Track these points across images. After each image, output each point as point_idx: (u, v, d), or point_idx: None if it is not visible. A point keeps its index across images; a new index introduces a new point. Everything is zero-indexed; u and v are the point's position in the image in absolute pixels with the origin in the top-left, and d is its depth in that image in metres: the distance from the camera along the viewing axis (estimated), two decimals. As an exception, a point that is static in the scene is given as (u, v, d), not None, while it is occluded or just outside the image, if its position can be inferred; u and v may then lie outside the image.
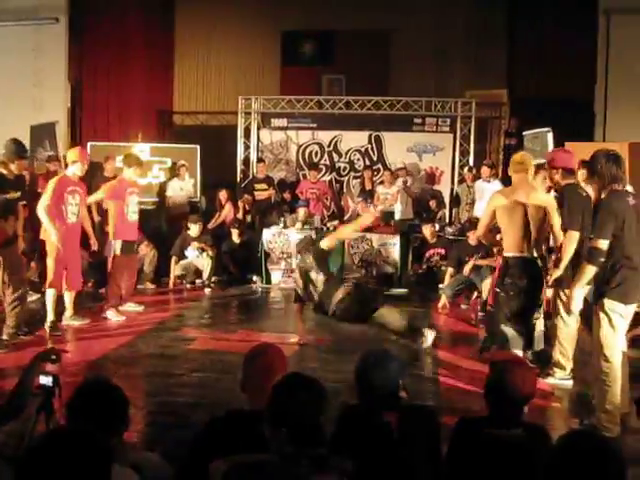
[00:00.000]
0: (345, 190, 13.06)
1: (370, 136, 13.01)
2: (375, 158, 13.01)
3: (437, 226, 10.66)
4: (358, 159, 13.12)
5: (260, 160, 12.58)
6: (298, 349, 6.94)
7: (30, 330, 7.17)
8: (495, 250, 7.07)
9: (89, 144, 12.05)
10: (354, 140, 13.11)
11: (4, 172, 6.86)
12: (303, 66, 14.57)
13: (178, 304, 9.51)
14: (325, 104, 13.05)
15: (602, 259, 4.72)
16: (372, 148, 13.05)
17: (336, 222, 11.28)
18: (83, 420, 2.54)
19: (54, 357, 3.25)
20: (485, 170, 10.80)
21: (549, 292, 6.15)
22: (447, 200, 12.31)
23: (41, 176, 9.69)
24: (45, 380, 3.08)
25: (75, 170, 7.68)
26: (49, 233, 7.42)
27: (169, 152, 12.60)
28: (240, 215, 11.65)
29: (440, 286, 9.47)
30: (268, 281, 10.55)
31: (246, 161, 13.35)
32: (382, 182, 12.09)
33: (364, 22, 13.80)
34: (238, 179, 13.14)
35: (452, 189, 12.51)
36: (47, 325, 7.38)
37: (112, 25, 13.69)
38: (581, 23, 12.24)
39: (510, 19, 13.82)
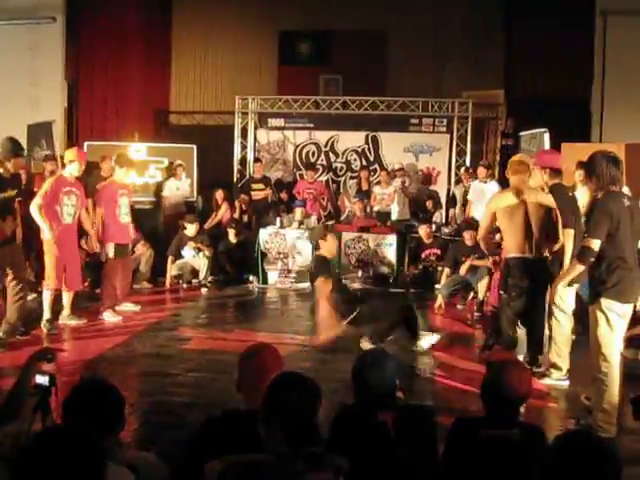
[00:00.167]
0: (342, 190, 13.06)
1: (367, 136, 13.01)
2: (372, 158, 13.02)
3: (433, 226, 10.66)
4: (355, 159, 13.12)
5: (257, 160, 12.58)
6: (294, 349, 6.93)
7: (27, 330, 7.15)
8: (487, 251, 7.00)
9: (86, 143, 12.02)
10: (351, 140, 13.11)
11: (0, 171, 6.84)
12: (300, 66, 14.57)
13: (174, 304, 9.50)
14: (322, 104, 13.05)
15: (592, 259, 4.76)
16: (369, 148, 13.05)
17: (332, 222, 11.28)
18: (79, 419, 2.54)
19: (50, 356, 3.24)
20: (481, 171, 10.80)
21: None
22: (443, 200, 12.32)
23: (38, 175, 9.67)
24: (42, 379, 3.07)
25: (72, 170, 7.63)
26: (42, 231, 7.39)
27: (166, 152, 12.58)
28: (237, 215, 11.65)
29: (436, 286, 9.48)
30: (264, 281, 10.54)
31: (243, 161, 13.35)
32: (379, 182, 12.08)
33: (361, 22, 13.83)
34: (235, 179, 13.13)
35: (449, 189, 12.53)
36: (43, 324, 7.38)
37: (109, 24, 13.66)
38: (578, 24, 12.26)
39: (507, 20, 13.84)
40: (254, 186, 12.00)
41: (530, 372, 3.62)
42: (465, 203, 11.25)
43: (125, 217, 8.36)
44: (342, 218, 11.84)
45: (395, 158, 12.72)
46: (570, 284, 5.67)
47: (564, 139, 9.66)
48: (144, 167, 12.30)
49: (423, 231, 10.25)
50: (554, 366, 5.98)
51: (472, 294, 8.84)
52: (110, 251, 8.17)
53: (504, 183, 7.65)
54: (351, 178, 13.04)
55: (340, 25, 14.01)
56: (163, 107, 15.01)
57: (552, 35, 12.90)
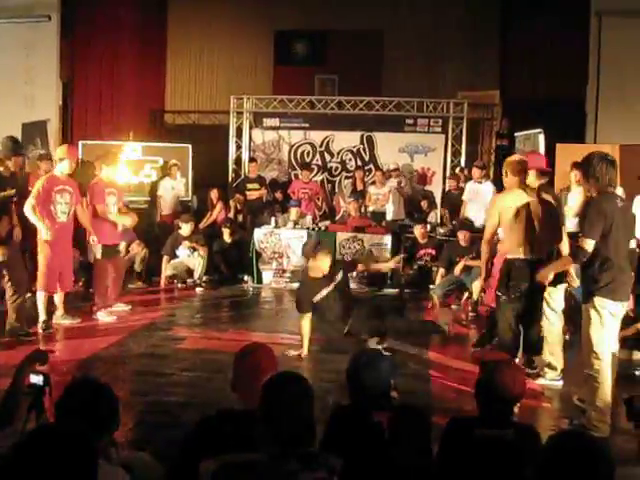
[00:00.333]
0: (337, 190, 13.07)
1: (362, 136, 13.02)
2: (367, 158, 13.03)
3: (428, 227, 10.67)
4: (350, 159, 13.12)
5: (252, 160, 12.57)
6: (289, 348, 6.92)
7: (28, 333, 7.08)
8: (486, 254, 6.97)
9: (80, 143, 12.01)
10: (346, 140, 13.12)
11: (0, 169, 6.82)
12: (296, 66, 14.58)
13: (169, 303, 9.49)
14: (317, 104, 13.05)
15: (584, 259, 4.83)
16: (364, 148, 13.06)
17: (327, 222, 11.28)
18: (72, 419, 2.53)
19: (42, 358, 3.24)
20: (476, 171, 10.79)
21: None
22: (438, 201, 12.32)
23: (32, 174, 9.64)
24: (36, 379, 3.07)
25: (63, 168, 7.55)
26: (40, 231, 7.37)
27: (161, 151, 12.57)
28: (232, 215, 11.64)
29: (431, 287, 9.49)
30: (259, 281, 10.54)
31: (238, 160, 13.34)
32: (374, 182, 12.10)
33: (357, 22, 13.85)
34: (230, 178, 13.12)
35: (443, 190, 12.53)
36: (40, 326, 7.33)
37: (105, 23, 13.64)
38: (573, 25, 12.30)
39: (503, 20, 13.89)
40: (249, 186, 12.00)
41: (524, 372, 3.63)
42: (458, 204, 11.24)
43: (113, 216, 8.30)
44: (337, 218, 11.85)
45: (390, 158, 12.73)
46: (560, 283, 5.72)
47: (559, 140, 9.69)
48: (139, 166, 12.29)
49: (418, 231, 10.26)
50: (549, 366, 5.99)
51: (466, 294, 8.85)
52: (97, 252, 8.11)
53: (499, 183, 7.62)
54: (346, 178, 13.05)
55: (336, 25, 14.02)
56: (158, 106, 14.98)
57: (547, 36, 12.96)
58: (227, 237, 10.62)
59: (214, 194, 11.58)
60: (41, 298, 7.43)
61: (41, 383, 3.06)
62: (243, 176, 12.72)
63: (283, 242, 10.48)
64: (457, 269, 8.84)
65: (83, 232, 8.17)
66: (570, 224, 6.44)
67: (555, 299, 5.94)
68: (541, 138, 10.32)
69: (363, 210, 11.46)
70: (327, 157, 13.17)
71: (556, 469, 2.08)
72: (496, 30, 13.91)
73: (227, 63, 14.93)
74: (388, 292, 9.97)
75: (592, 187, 4.86)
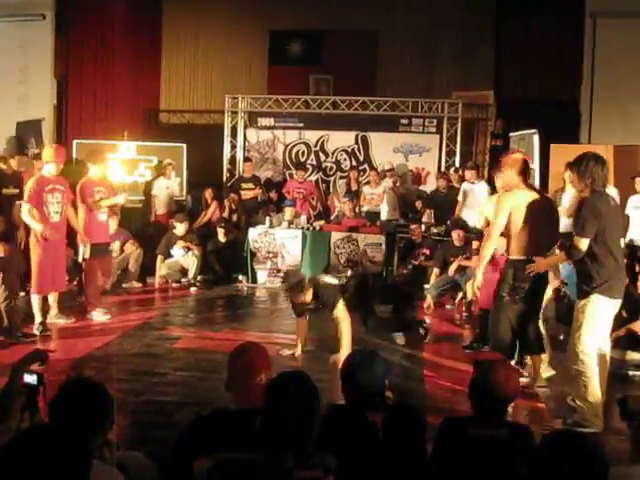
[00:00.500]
0: (331, 190, 13.07)
1: (357, 136, 13.03)
2: (362, 158, 13.04)
3: (423, 226, 10.68)
4: (345, 159, 13.14)
5: (247, 159, 12.58)
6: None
7: (24, 334, 7.04)
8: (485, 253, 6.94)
9: (74, 142, 11.99)
10: (341, 140, 13.13)
11: (3, 167, 6.79)
12: (290, 65, 14.57)
13: (163, 303, 9.47)
14: (312, 104, 13.06)
15: (578, 258, 4.92)
16: (359, 148, 13.07)
17: (322, 222, 11.28)
18: (66, 419, 2.52)
19: (42, 358, 3.24)
20: (467, 172, 10.75)
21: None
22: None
23: (26, 173, 9.61)
24: (29, 379, 3.07)
25: (50, 170, 7.47)
26: (35, 231, 7.34)
27: (155, 150, 12.55)
28: (226, 214, 11.62)
29: (425, 286, 9.49)
30: (254, 280, 10.53)
31: (232, 160, 13.34)
32: (368, 182, 12.11)
33: (352, 22, 13.85)
34: (224, 178, 13.12)
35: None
36: (36, 328, 7.27)
37: (99, 22, 13.57)
38: (568, 25, 12.34)
39: (498, 21, 13.90)
40: (244, 185, 11.99)
41: (518, 373, 3.64)
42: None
43: (102, 215, 8.23)
44: (331, 218, 11.84)
45: (385, 158, 12.75)
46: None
47: (553, 140, 9.70)
48: (133, 166, 12.27)
49: (414, 230, 10.26)
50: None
51: (461, 294, 8.86)
52: (86, 252, 8.05)
53: (493, 184, 7.61)
54: (341, 178, 13.06)
55: (330, 25, 14.02)
56: (153, 106, 14.96)
57: (542, 36, 12.98)
58: (222, 237, 10.62)
59: (209, 194, 11.57)
60: (35, 300, 7.39)
61: (35, 383, 3.06)
62: (238, 176, 12.72)
63: (278, 242, 10.48)
64: (451, 269, 8.83)
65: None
66: (563, 224, 6.43)
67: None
68: (535, 138, 10.33)
69: (357, 210, 11.46)
70: (322, 157, 13.18)
71: (550, 469, 2.08)
72: (491, 30, 13.92)
73: (222, 63, 14.92)
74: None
75: (587, 187, 4.89)
